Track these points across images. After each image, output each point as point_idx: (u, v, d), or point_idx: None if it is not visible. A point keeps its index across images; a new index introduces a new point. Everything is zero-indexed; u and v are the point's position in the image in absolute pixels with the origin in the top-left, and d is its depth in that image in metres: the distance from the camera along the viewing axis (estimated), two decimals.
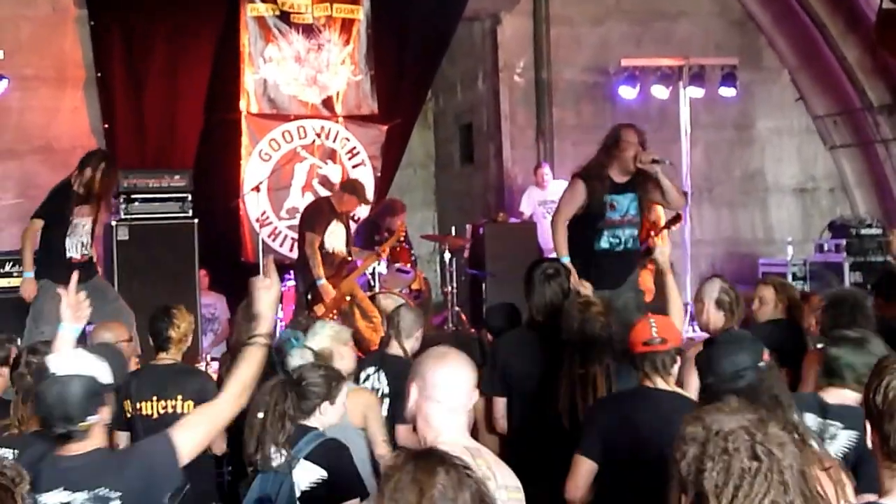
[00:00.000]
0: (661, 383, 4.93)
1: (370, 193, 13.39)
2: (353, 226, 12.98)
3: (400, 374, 5.81)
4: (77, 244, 9.33)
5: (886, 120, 14.37)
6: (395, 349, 6.92)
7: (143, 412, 6.63)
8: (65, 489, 3.75)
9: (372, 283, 11.90)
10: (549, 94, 14.34)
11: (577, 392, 5.56)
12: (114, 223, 10.68)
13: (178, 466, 3.95)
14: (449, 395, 3.80)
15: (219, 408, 4.13)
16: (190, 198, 10.99)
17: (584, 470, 4.93)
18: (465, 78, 15.58)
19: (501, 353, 6.50)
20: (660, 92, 13.76)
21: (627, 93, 13.72)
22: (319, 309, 10.53)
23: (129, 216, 10.74)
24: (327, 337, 6.21)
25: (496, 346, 6.80)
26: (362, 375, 6.66)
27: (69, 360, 3.92)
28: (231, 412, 4.14)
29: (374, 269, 11.83)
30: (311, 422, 4.98)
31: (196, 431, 4.04)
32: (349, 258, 11.36)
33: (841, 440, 4.53)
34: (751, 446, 2.57)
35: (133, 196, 10.79)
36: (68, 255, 9.26)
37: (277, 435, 4.75)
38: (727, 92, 13.95)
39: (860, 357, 4.64)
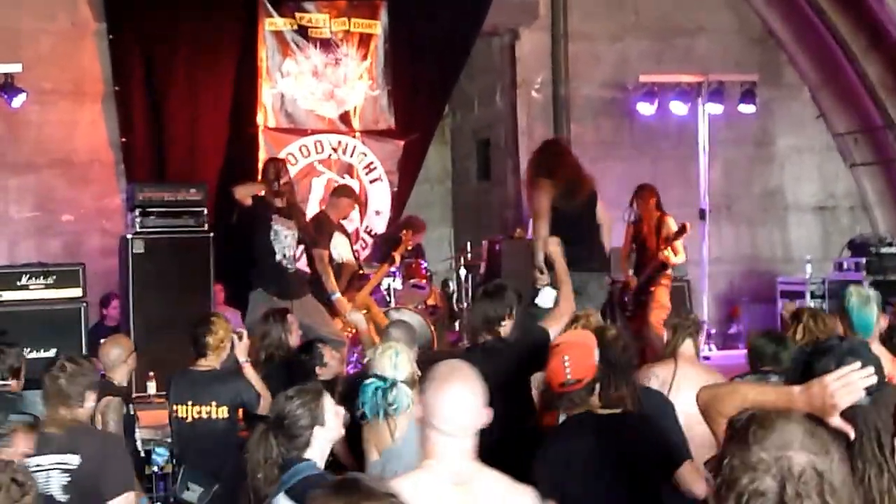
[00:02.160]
0: (577, 410, 5.05)
1: (387, 209, 13.55)
2: (369, 240, 13.16)
3: None
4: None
5: None
6: None
7: (179, 415, 6.99)
8: None
9: (388, 299, 12.02)
10: (566, 109, 14.39)
11: None
12: (129, 237, 10.80)
13: None
14: (449, 423, 3.77)
15: None
16: (206, 212, 11.10)
17: None
18: (482, 93, 15.67)
19: None
20: (678, 108, 13.83)
21: (646, 109, 13.80)
22: (337, 323, 10.66)
23: (144, 230, 10.84)
24: (407, 362, 6.07)
25: None
26: None
27: None
28: None
29: (389, 284, 11.97)
30: (308, 453, 4.65)
31: None
32: (361, 271, 11.49)
33: None
34: (819, 489, 2.56)
35: (149, 210, 10.90)
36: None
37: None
38: (747, 108, 14.01)
39: None
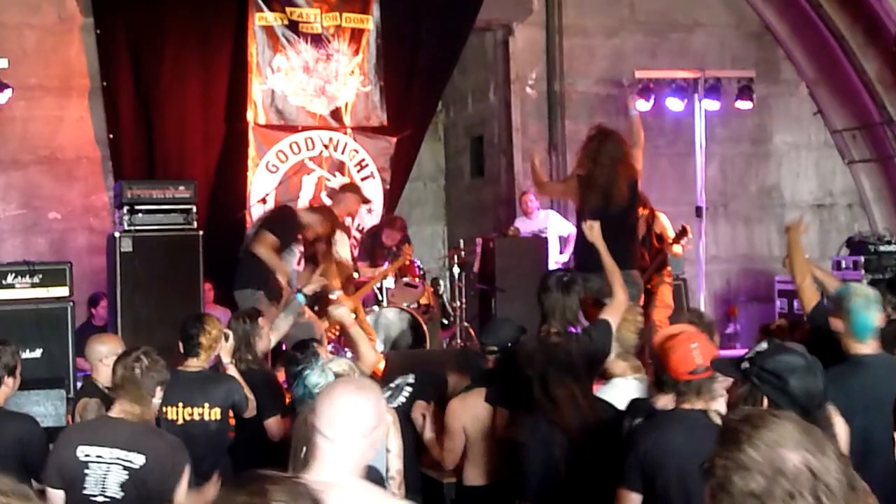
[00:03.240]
0: (698, 404, 4.89)
1: (379, 207, 13.52)
2: (357, 236, 13.15)
3: None
4: None
5: None
6: None
7: (168, 416, 6.91)
8: None
9: (380, 298, 12.01)
10: (561, 106, 14.41)
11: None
12: (117, 234, 10.76)
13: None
14: (330, 427, 3.72)
15: None
16: (194, 209, 11.05)
17: None
18: (476, 89, 15.68)
19: None
20: (675, 105, 13.82)
21: (641, 105, 13.75)
22: (323, 322, 10.63)
23: (132, 228, 10.79)
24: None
25: None
26: None
27: None
28: None
29: (381, 283, 11.96)
30: None
31: None
32: (354, 273, 11.48)
33: None
34: (813, 488, 2.55)
35: (136, 207, 10.85)
36: None
37: None
38: (743, 105, 14.01)
39: None
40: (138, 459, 5.23)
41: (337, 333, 10.79)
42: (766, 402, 3.73)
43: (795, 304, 12.41)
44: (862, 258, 13.21)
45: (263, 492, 2.72)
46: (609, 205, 9.74)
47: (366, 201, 12.01)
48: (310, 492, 2.81)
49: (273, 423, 7.33)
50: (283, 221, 10.95)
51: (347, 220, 12.58)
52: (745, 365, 3.89)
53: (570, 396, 5.54)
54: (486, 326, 7.91)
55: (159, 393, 5.61)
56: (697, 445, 4.02)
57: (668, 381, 4.96)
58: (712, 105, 13.88)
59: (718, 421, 4.08)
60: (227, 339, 7.33)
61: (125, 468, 5.22)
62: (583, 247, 9.44)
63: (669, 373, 4.94)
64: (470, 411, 6.65)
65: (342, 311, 7.79)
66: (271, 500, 2.71)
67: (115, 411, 5.46)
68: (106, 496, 5.21)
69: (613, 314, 6.78)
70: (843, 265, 13.50)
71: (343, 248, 11.34)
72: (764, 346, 3.96)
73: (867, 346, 5.79)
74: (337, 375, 5.83)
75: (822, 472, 2.57)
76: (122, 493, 5.21)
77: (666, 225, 11.72)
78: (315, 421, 3.74)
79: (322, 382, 5.68)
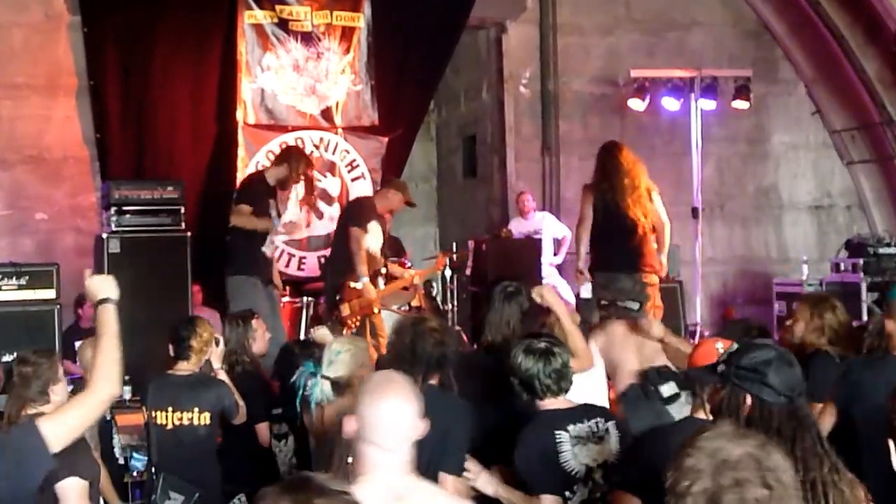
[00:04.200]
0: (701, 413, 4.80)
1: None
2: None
3: None
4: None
5: None
6: None
7: (158, 421, 6.94)
8: None
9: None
10: (555, 105, 14.44)
11: None
12: (104, 235, 10.76)
13: (49, 456, 4.05)
14: (386, 436, 3.75)
15: (97, 399, 4.19)
16: (183, 210, 11.06)
17: None
18: (468, 88, 15.69)
19: None
20: (671, 104, 13.83)
21: (637, 105, 13.80)
22: (345, 309, 10.71)
23: (120, 229, 10.79)
24: (344, 364, 6.09)
25: None
26: None
27: None
28: (110, 394, 4.21)
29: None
30: None
31: (67, 424, 4.12)
32: (382, 269, 11.53)
33: None
34: (761, 476, 2.60)
35: (124, 208, 10.86)
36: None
37: None
38: (741, 105, 14.02)
39: None
40: None
41: (357, 324, 10.84)
42: (748, 400, 3.76)
43: (794, 306, 12.43)
44: (861, 260, 13.19)
45: (307, 502, 2.68)
46: (614, 208, 10.03)
47: (410, 203, 11.99)
48: None
49: (264, 428, 7.37)
50: (250, 188, 11.27)
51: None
52: (722, 367, 3.93)
53: None
54: None
55: (54, 391, 5.62)
56: None
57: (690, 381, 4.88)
58: (709, 105, 13.88)
59: None
60: (217, 343, 7.35)
61: None
62: (602, 248, 9.77)
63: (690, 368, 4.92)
64: None
65: (323, 331, 7.79)
66: None
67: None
68: None
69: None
70: (842, 267, 13.51)
71: (375, 240, 11.30)
72: (735, 347, 4.01)
73: None
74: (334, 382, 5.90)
75: (767, 460, 2.63)
76: None
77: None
78: (363, 432, 3.75)
79: (321, 399, 5.76)
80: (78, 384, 7.36)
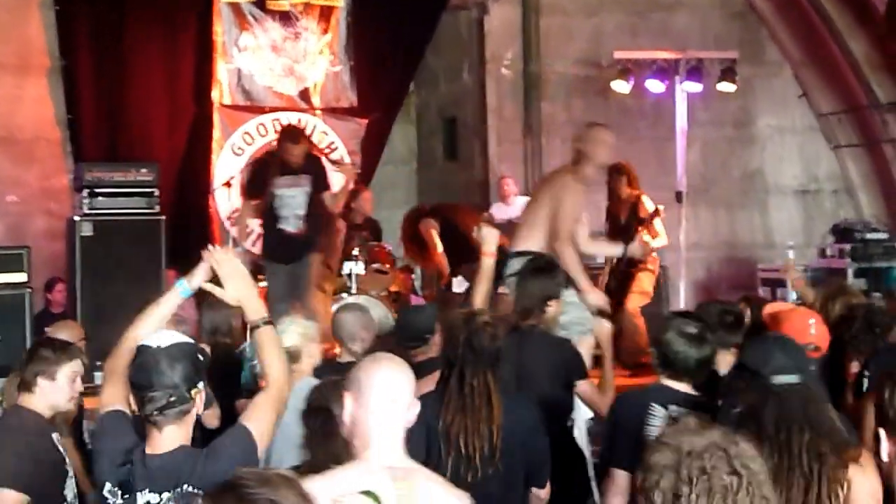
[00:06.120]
0: None
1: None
2: None
3: None
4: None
5: (894, 118, 14.43)
6: (346, 356, 6.96)
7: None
8: (150, 490, 3.92)
9: (349, 285, 12.00)
10: (538, 87, 14.41)
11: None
12: (77, 218, 10.74)
13: (257, 458, 4.06)
14: (386, 403, 3.73)
15: (278, 394, 4.27)
16: (157, 193, 11.04)
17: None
18: (449, 70, 15.64)
19: None
20: (655, 86, 13.78)
21: (621, 87, 13.76)
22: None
23: (92, 211, 10.79)
24: (295, 334, 6.26)
25: None
26: None
27: (164, 334, 4.13)
28: (285, 392, 4.31)
29: (351, 269, 11.94)
30: None
31: (266, 421, 4.16)
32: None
33: None
34: (727, 462, 2.60)
35: (97, 190, 10.83)
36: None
37: None
38: (726, 87, 13.97)
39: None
40: None
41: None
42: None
43: (779, 292, 12.46)
44: (848, 246, 13.21)
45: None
46: None
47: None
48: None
49: (242, 406, 7.37)
50: (252, 174, 11.22)
51: None
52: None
53: None
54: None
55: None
56: None
57: None
58: (694, 87, 13.83)
59: None
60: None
61: None
62: None
63: None
64: None
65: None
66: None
67: None
68: None
69: None
70: (829, 252, 13.53)
71: None
72: None
73: None
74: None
75: (733, 447, 2.63)
76: None
77: (649, 209, 11.73)
78: (361, 405, 3.74)
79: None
80: None
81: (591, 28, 14.65)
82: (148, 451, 3.98)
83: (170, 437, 3.97)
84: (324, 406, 4.90)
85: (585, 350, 7.10)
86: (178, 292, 4.59)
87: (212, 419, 6.90)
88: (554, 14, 14.44)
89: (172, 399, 3.94)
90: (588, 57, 14.55)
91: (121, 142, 12.74)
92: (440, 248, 12.24)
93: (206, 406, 6.06)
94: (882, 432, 3.25)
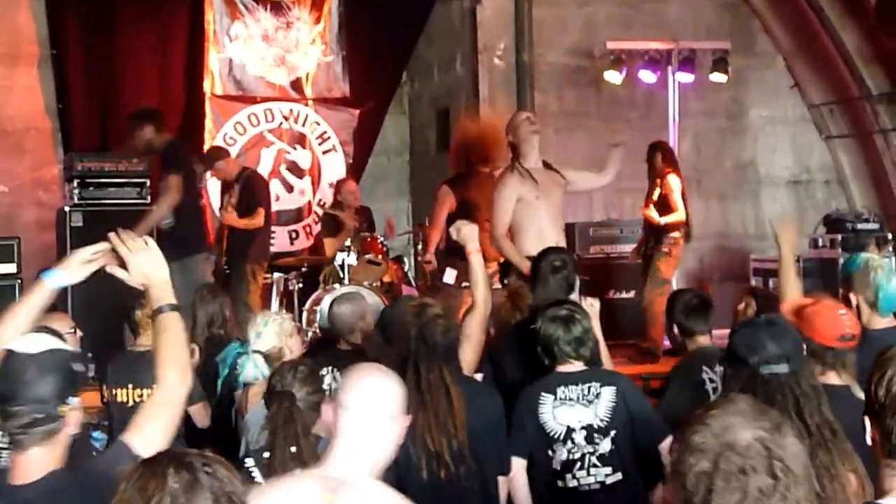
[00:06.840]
0: (833, 378, 4.76)
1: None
2: (319, 212, 13.10)
3: None
4: None
5: (886, 109, 14.42)
6: (343, 345, 7.02)
7: (119, 399, 6.91)
8: None
9: (341, 275, 11.98)
10: (530, 77, 14.34)
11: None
12: (67, 209, 10.71)
13: None
14: (361, 415, 3.61)
15: (169, 396, 3.82)
16: (148, 183, 11.02)
17: None
18: (442, 60, 15.59)
19: None
20: (647, 77, 13.77)
21: (613, 77, 13.75)
22: None
23: (83, 202, 10.75)
24: (273, 334, 6.25)
25: None
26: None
27: (37, 339, 3.63)
28: (183, 394, 3.86)
29: (343, 260, 11.93)
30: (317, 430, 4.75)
31: (153, 430, 3.65)
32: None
33: None
34: (768, 464, 2.53)
35: (88, 180, 10.80)
36: None
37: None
38: (718, 78, 13.95)
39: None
40: None
41: None
42: None
43: (771, 282, 12.44)
44: (839, 236, 13.19)
45: (160, 475, 2.66)
46: None
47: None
48: (218, 480, 2.71)
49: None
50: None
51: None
52: None
53: None
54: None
55: None
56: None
57: (812, 350, 4.67)
58: (686, 77, 13.82)
59: (862, 396, 3.79)
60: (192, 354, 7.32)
61: None
62: None
63: (814, 339, 4.75)
64: None
65: None
66: (166, 487, 2.64)
67: None
68: None
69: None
70: (820, 243, 13.52)
71: None
72: None
73: (887, 321, 5.86)
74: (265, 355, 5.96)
75: (777, 448, 2.56)
76: None
77: (672, 187, 11.71)
78: (345, 402, 3.64)
79: (256, 374, 5.79)
80: None
81: (584, 18, 14.61)
82: (11, 481, 3.38)
83: (37, 462, 3.37)
84: (283, 390, 4.92)
85: None
86: (45, 285, 4.20)
87: (202, 418, 6.89)
88: (546, 4, 14.39)
89: (39, 416, 3.37)
90: (580, 47, 14.51)
91: (112, 132, 12.70)
92: (440, 223, 12.04)
93: (196, 402, 6.03)
94: (867, 420, 3.23)
